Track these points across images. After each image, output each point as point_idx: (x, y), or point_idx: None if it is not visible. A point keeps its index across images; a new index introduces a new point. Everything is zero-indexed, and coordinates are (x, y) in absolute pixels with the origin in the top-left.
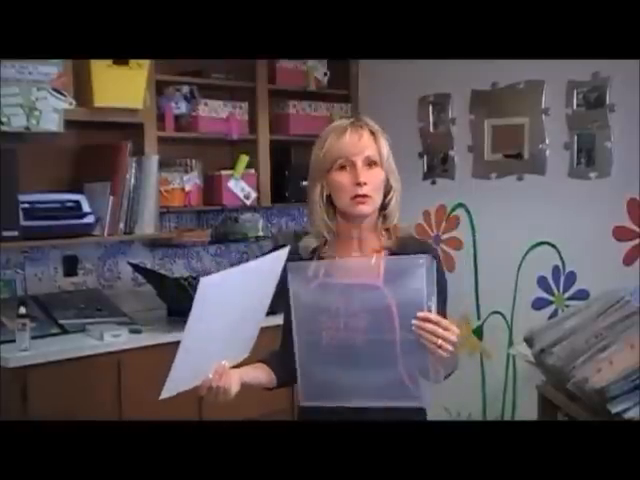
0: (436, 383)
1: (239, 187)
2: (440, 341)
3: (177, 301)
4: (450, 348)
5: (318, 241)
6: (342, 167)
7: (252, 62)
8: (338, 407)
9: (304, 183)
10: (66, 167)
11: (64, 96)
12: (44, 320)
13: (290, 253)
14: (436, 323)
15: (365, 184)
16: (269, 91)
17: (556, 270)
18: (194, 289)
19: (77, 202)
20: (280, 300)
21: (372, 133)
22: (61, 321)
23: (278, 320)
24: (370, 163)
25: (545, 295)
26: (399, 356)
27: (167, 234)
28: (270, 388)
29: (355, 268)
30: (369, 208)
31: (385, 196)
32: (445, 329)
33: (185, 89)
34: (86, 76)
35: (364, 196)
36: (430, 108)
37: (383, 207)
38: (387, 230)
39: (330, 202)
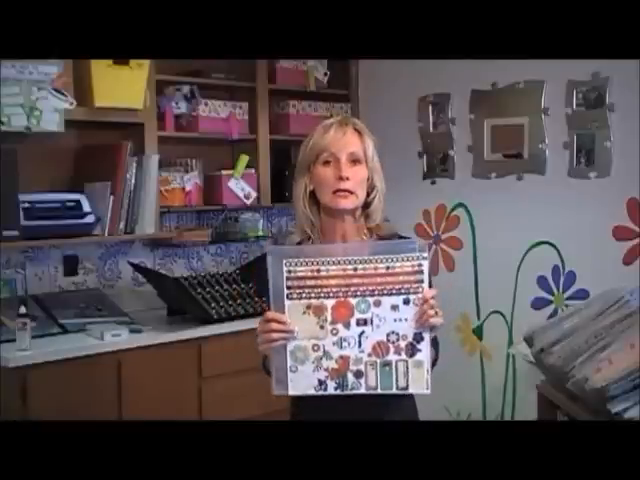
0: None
1: (239, 187)
2: (433, 311)
3: (177, 301)
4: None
5: (301, 237)
6: (326, 162)
7: (252, 62)
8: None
9: None
10: (66, 167)
11: (64, 96)
12: (44, 320)
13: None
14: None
15: (347, 179)
16: (269, 91)
17: (556, 270)
18: (194, 289)
19: (77, 202)
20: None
21: (358, 132)
22: (61, 321)
23: None
24: (354, 160)
25: (545, 295)
26: None
27: (167, 234)
28: None
29: (346, 252)
30: (350, 203)
31: (368, 194)
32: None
33: (185, 89)
34: (86, 76)
35: (346, 191)
36: (430, 108)
37: (366, 205)
38: (370, 230)
39: (314, 198)
